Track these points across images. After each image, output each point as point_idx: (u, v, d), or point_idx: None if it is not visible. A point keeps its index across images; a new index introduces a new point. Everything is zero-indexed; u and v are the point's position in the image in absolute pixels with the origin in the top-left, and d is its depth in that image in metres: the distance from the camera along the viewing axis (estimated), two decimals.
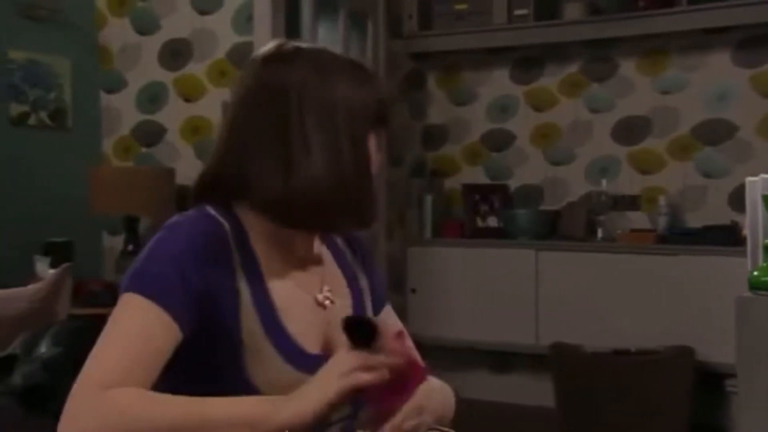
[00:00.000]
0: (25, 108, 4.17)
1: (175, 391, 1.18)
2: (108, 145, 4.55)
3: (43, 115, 4.24)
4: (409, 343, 1.29)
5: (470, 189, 4.94)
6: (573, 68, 4.80)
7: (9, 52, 4.11)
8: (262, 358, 1.26)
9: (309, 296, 1.37)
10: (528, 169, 4.94)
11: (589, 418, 4.21)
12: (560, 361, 4.33)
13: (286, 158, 1.28)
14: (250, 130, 1.31)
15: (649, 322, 4.31)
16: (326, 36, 4.58)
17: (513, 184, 4.98)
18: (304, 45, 1.37)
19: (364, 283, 1.48)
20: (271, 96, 1.31)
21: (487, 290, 4.65)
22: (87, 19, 4.50)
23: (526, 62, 4.92)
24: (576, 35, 4.63)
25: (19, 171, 4.11)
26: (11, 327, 2.99)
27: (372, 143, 1.35)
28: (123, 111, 4.49)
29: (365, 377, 1.17)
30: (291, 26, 4.33)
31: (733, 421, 3.93)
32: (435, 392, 1.32)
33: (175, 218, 1.30)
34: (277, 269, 1.33)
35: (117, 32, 4.50)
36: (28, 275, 3.64)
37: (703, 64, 4.52)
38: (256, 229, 1.32)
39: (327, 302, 1.38)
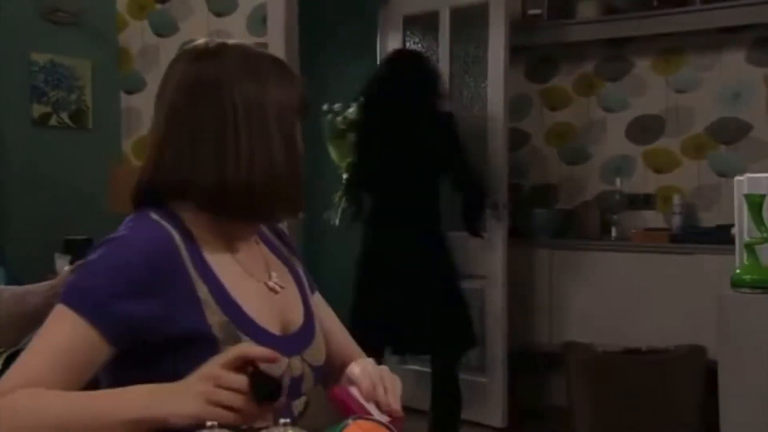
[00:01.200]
0: (47, 109, 4.29)
1: None
2: (127, 145, 4.65)
3: (64, 115, 4.35)
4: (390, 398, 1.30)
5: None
6: (587, 68, 4.82)
7: (31, 55, 4.23)
8: (235, 343, 1.28)
9: (260, 283, 1.41)
10: (543, 168, 4.97)
11: (601, 417, 4.22)
12: (573, 360, 4.34)
13: (220, 151, 1.33)
14: (185, 125, 1.35)
15: (663, 321, 4.31)
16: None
17: (528, 183, 5.00)
18: (229, 42, 1.41)
19: (299, 269, 1.54)
20: (205, 90, 1.35)
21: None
22: (108, 21, 4.61)
23: (541, 62, 4.94)
24: (590, 34, 4.65)
25: (41, 170, 4.23)
26: (27, 322, 3.09)
27: (298, 133, 1.40)
28: (142, 111, 4.59)
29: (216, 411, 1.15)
30: (304, 27, 4.41)
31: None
32: None
33: (119, 232, 1.32)
34: (226, 262, 1.37)
35: (136, 34, 4.61)
36: (49, 272, 3.74)
37: (718, 63, 4.51)
38: (199, 225, 1.36)
39: (277, 287, 1.43)
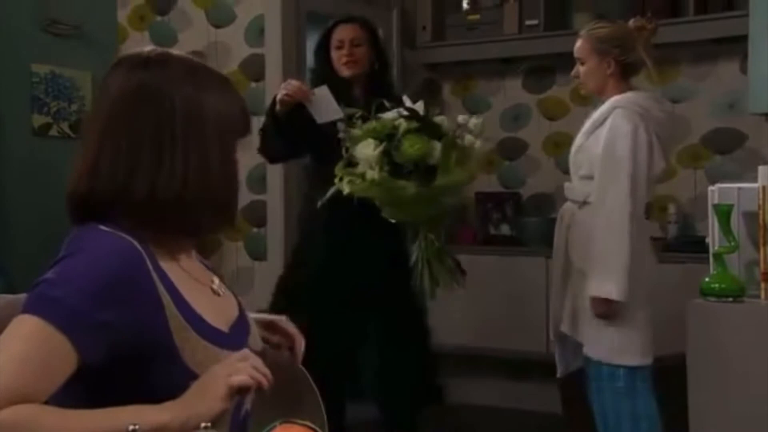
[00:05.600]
0: (47, 119, 4.36)
1: (123, 387, 1.27)
2: None
3: (65, 125, 4.43)
4: None
5: (483, 197, 5.01)
6: None
7: (32, 66, 4.31)
8: (193, 348, 1.33)
9: (206, 287, 1.45)
10: (540, 177, 4.99)
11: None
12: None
13: (155, 160, 1.32)
14: (123, 134, 1.33)
15: (659, 330, 4.31)
16: None
17: (525, 192, 5.03)
18: (173, 52, 1.42)
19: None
20: (145, 98, 1.34)
21: (498, 297, 4.69)
22: (108, 33, 4.68)
23: (538, 71, 4.97)
24: None
25: (41, 180, 4.29)
26: None
27: (237, 149, 1.42)
28: None
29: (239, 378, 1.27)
30: (301, 38, 4.46)
31: None
32: None
33: (79, 244, 1.30)
34: (175, 269, 1.39)
35: (137, 46, 4.63)
36: None
37: (712, 73, 4.53)
38: (144, 237, 1.34)
39: (220, 291, 1.47)
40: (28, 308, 1.23)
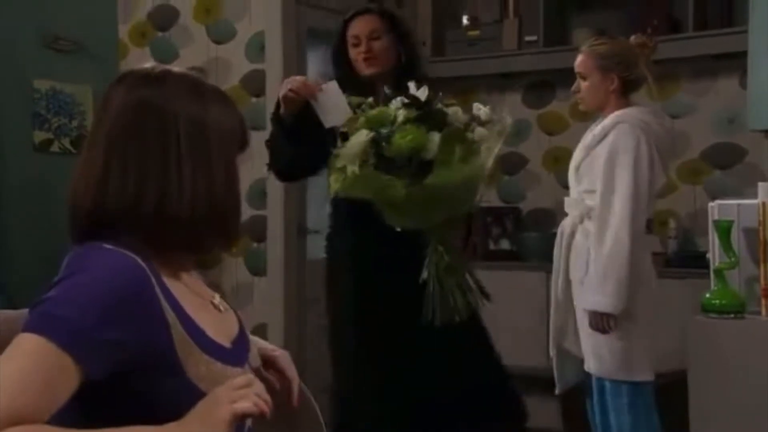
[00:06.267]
0: (48, 135, 4.37)
1: (124, 401, 1.26)
2: None
3: (66, 141, 4.43)
4: None
5: (483, 211, 5.00)
6: None
7: (33, 82, 4.32)
8: (197, 363, 1.32)
9: (206, 302, 1.45)
10: (540, 192, 5.00)
11: None
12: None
13: (162, 181, 1.32)
14: (128, 154, 1.33)
15: (659, 345, 4.31)
16: None
17: (525, 207, 5.04)
18: (173, 69, 1.41)
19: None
20: (149, 115, 1.34)
21: (498, 312, 4.68)
22: (109, 49, 4.69)
23: (538, 87, 4.98)
24: None
25: (42, 195, 4.29)
26: None
27: (238, 165, 1.42)
28: None
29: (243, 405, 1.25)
30: (302, 53, 4.48)
31: None
32: None
33: (87, 258, 1.29)
34: (177, 284, 1.38)
35: (138, 61, 4.68)
36: None
37: (712, 89, 4.54)
38: (147, 254, 1.34)
39: (221, 306, 1.47)
40: (31, 327, 1.22)
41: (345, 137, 2.57)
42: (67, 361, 1.19)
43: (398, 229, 2.63)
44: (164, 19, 4.68)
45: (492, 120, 2.56)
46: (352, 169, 2.45)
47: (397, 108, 2.52)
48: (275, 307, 4.41)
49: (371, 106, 2.57)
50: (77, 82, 4.48)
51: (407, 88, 2.62)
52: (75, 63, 4.48)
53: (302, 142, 2.90)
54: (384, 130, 2.46)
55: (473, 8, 5.07)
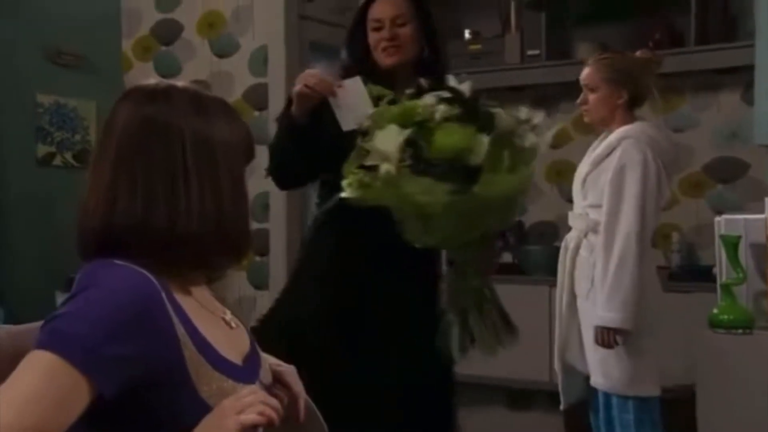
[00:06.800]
0: (50, 149, 4.37)
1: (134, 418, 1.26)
2: None
3: (68, 155, 4.43)
4: None
5: None
6: None
7: (37, 96, 4.32)
8: (208, 381, 1.32)
9: (218, 318, 1.44)
10: (543, 205, 4.99)
11: None
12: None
13: (172, 194, 1.32)
14: (136, 171, 1.33)
15: (664, 360, 4.30)
16: None
17: (528, 220, 5.03)
18: (178, 84, 1.41)
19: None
20: (154, 132, 1.34)
21: None
22: (113, 63, 4.70)
23: (540, 101, 4.99)
24: None
25: (44, 209, 4.30)
26: None
27: (246, 178, 1.42)
28: None
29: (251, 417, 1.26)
30: (304, 67, 4.48)
31: None
32: None
33: (98, 275, 1.29)
34: (188, 300, 1.38)
35: (142, 75, 4.70)
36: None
37: (715, 102, 4.55)
38: (157, 270, 1.33)
39: (232, 323, 1.46)
40: (42, 344, 1.21)
41: (365, 133, 2.18)
42: (79, 379, 1.19)
43: (417, 246, 2.25)
44: (168, 33, 4.69)
45: (540, 126, 2.20)
46: (388, 168, 2.04)
47: (431, 104, 2.12)
48: None
49: (392, 101, 2.23)
50: (80, 97, 4.49)
51: (433, 83, 2.26)
52: (78, 77, 4.49)
53: (312, 146, 2.55)
54: (419, 128, 2.08)
55: (474, 22, 5.08)
